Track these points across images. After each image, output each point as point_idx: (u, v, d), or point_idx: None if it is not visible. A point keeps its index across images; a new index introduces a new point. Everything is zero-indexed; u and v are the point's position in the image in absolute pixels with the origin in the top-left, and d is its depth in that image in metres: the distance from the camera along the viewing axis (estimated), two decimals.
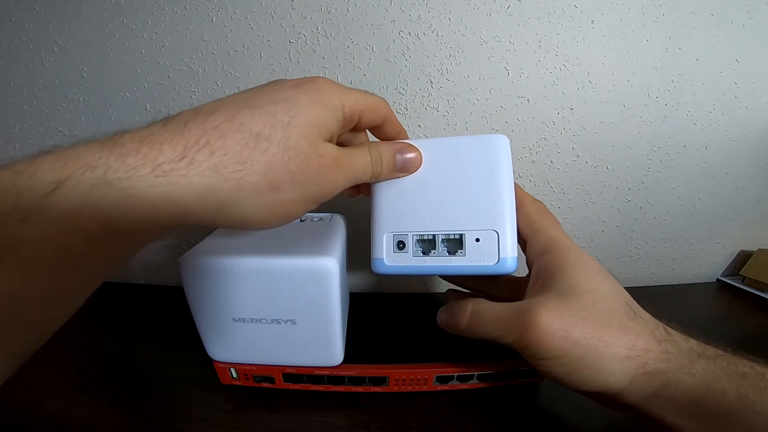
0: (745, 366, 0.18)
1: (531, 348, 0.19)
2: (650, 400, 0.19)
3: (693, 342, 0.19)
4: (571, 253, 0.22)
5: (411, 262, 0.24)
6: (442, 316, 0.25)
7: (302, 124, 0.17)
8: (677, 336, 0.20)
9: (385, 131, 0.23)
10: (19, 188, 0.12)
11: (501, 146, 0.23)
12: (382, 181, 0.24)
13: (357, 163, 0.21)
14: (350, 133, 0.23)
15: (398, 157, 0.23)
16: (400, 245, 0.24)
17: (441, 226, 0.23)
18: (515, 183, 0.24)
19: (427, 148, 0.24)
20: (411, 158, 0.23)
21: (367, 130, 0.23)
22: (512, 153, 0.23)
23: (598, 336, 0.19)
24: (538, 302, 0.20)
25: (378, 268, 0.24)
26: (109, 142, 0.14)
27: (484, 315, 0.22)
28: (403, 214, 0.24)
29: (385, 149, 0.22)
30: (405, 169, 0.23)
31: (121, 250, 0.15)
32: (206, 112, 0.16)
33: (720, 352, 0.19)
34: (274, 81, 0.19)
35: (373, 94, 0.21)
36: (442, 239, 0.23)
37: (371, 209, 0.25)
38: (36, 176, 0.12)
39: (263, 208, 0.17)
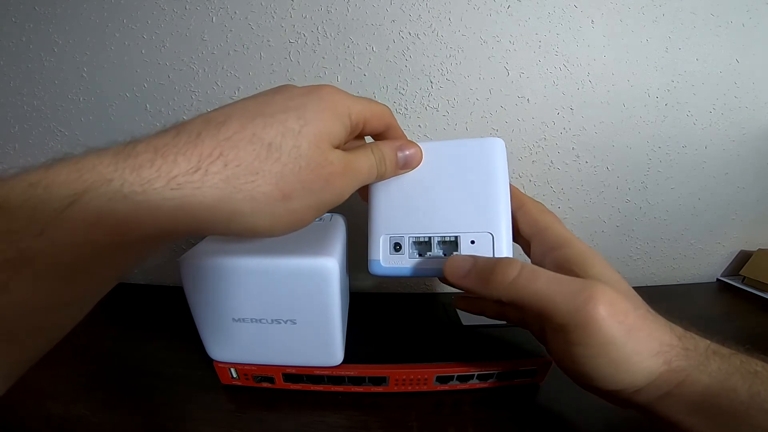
0: (758, 365, 0.18)
1: (583, 328, 0.18)
2: (663, 398, 0.18)
3: (708, 340, 0.19)
4: (585, 247, 0.21)
5: (407, 263, 0.24)
6: (459, 264, 0.21)
7: (312, 133, 0.17)
8: (693, 334, 0.19)
9: (386, 138, 0.24)
10: (35, 201, 0.12)
11: (496, 149, 0.23)
12: (386, 179, 0.24)
13: (363, 165, 0.21)
14: (353, 139, 0.23)
15: (400, 154, 0.23)
16: (397, 247, 0.24)
17: (437, 228, 0.23)
18: (514, 186, 0.24)
19: (423, 151, 0.24)
20: (412, 154, 0.23)
21: None
22: (512, 153, 0.23)
23: (639, 327, 0.18)
24: (596, 282, 0.18)
25: (374, 269, 0.24)
26: (123, 153, 0.14)
27: (537, 274, 0.19)
28: (399, 216, 0.24)
29: (387, 148, 0.22)
30: (407, 165, 0.23)
31: (131, 259, 0.16)
32: (218, 121, 0.16)
33: (733, 351, 0.19)
34: (282, 87, 0.19)
35: (377, 102, 0.22)
36: (438, 241, 0.23)
37: (369, 211, 0.25)
38: (52, 189, 0.12)
39: (274, 218, 0.17)
